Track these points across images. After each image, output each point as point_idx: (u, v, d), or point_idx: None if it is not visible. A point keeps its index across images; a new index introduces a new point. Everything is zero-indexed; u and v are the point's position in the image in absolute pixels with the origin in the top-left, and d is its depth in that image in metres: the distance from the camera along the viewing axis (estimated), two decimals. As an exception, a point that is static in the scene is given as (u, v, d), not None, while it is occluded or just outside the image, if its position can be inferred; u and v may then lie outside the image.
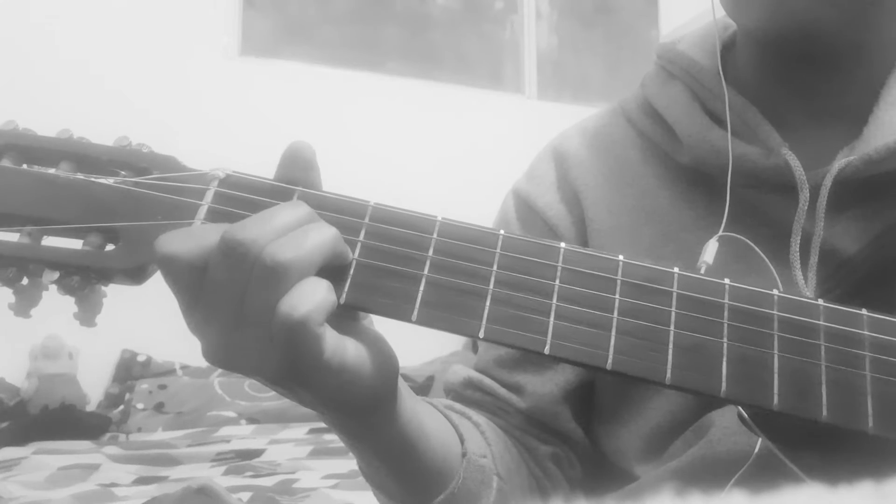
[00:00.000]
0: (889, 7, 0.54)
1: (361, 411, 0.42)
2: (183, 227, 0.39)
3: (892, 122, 0.55)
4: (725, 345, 0.40)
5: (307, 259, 0.37)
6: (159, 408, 2.42)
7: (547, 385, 0.61)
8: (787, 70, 0.59)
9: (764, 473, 0.46)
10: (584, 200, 0.64)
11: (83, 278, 0.38)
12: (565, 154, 0.67)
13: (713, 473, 0.51)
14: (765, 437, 0.43)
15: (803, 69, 0.58)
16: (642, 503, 0.25)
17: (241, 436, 2.22)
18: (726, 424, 0.52)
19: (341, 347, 0.38)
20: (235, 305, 0.37)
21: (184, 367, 2.64)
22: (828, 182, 0.54)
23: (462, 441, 0.53)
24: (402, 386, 0.45)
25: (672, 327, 0.40)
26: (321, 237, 0.38)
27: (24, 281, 0.38)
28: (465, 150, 3.11)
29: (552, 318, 0.39)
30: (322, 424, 2.38)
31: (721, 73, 0.59)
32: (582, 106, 3.22)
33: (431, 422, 0.50)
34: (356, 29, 3.17)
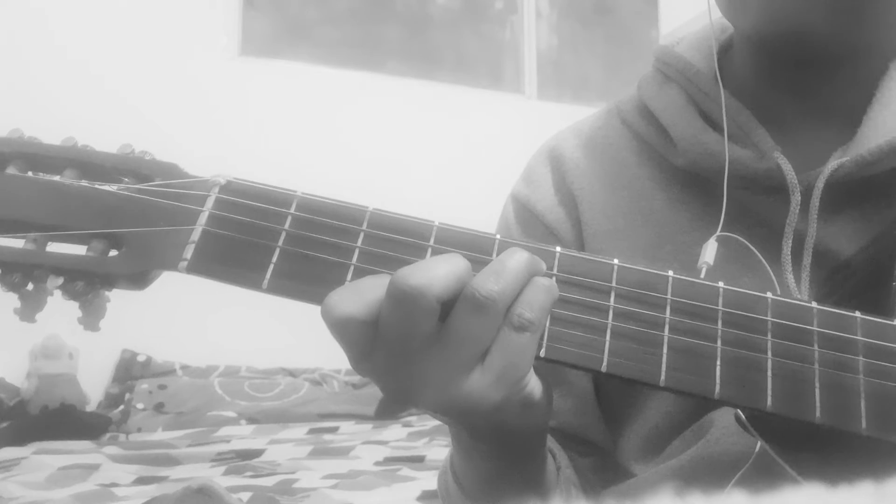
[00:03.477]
0: (882, 10, 0.54)
1: (523, 446, 0.46)
2: (186, 232, 0.40)
3: (885, 123, 0.55)
4: (719, 347, 0.40)
5: (513, 289, 0.39)
6: (159, 408, 2.42)
7: (567, 399, 0.62)
8: (782, 73, 0.59)
9: (764, 474, 0.46)
10: (581, 204, 0.64)
11: (87, 283, 0.39)
12: (561, 157, 0.67)
13: (713, 473, 0.51)
14: (761, 440, 0.44)
15: (798, 72, 0.58)
16: (642, 503, 0.26)
17: (241, 436, 2.22)
18: (725, 425, 0.52)
19: (534, 380, 0.41)
20: (427, 346, 0.38)
21: (184, 367, 2.65)
22: (820, 184, 0.55)
23: (554, 456, 0.56)
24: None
25: (666, 330, 0.40)
26: (519, 263, 0.40)
27: (30, 286, 0.39)
28: (465, 150, 3.12)
29: (548, 322, 0.40)
30: (322, 424, 2.39)
31: (718, 76, 0.60)
32: (582, 106, 3.22)
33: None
34: (356, 29, 3.17)
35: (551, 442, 0.58)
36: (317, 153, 2.89)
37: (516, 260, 0.39)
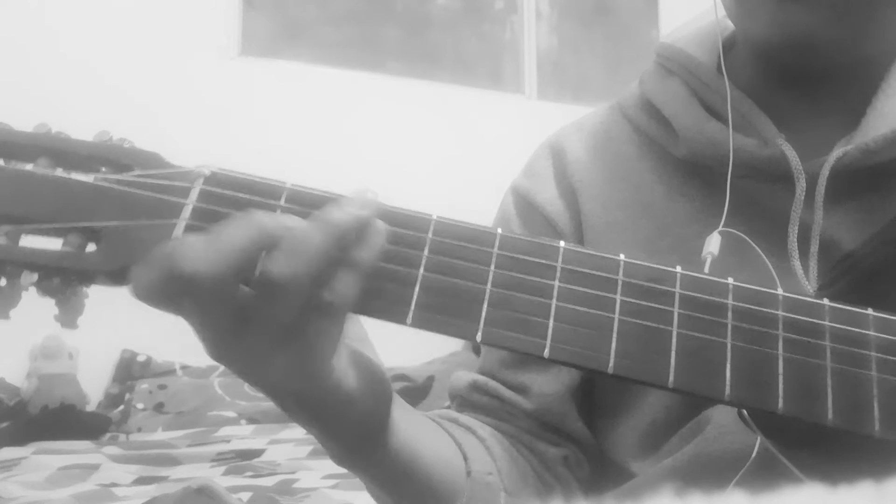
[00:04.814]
0: (888, 18, 0.54)
1: (352, 439, 0.44)
2: (168, 226, 0.38)
3: (890, 112, 0.55)
4: (729, 347, 0.39)
5: (316, 269, 0.36)
6: (159, 408, 2.41)
7: (552, 384, 0.61)
8: (786, 76, 0.59)
9: (763, 473, 0.46)
10: (581, 197, 0.64)
11: (63, 280, 0.37)
12: (563, 151, 0.67)
13: (711, 472, 0.50)
14: (764, 438, 0.43)
15: (803, 77, 0.58)
16: (641, 503, 0.25)
17: (241, 436, 2.21)
18: (723, 422, 0.52)
19: (346, 370, 0.40)
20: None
21: (184, 367, 2.64)
22: (825, 172, 0.54)
23: (466, 460, 0.53)
24: (399, 412, 0.46)
25: (675, 329, 0.39)
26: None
27: (2, 282, 0.37)
28: (466, 150, 3.11)
29: (552, 321, 0.38)
30: (322, 425, 2.39)
31: (723, 66, 0.60)
32: (582, 106, 3.21)
33: (431, 444, 0.50)
34: (356, 29, 3.16)
35: (478, 446, 0.57)
36: (317, 153, 2.88)
37: (321, 236, 0.36)
